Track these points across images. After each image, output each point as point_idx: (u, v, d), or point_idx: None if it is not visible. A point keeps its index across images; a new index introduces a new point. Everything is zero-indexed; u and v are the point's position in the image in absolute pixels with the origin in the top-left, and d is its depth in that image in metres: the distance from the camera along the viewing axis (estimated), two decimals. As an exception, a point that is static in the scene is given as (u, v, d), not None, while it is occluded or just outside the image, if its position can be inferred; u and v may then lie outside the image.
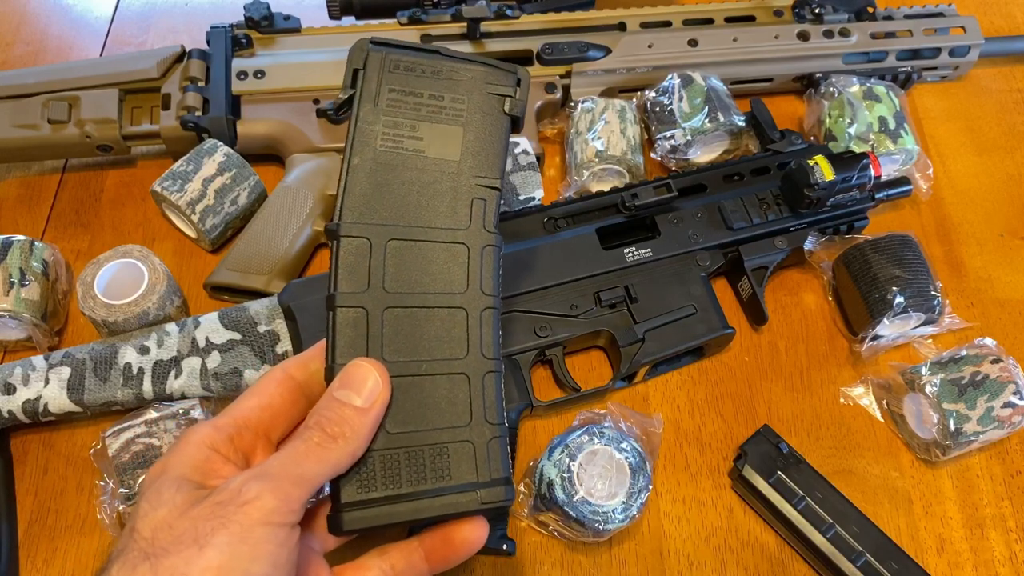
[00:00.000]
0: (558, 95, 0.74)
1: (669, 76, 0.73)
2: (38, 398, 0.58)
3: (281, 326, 0.59)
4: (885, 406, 0.63)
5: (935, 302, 0.62)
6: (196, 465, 0.36)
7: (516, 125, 0.43)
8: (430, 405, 0.39)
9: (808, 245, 0.66)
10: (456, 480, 0.39)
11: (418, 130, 0.41)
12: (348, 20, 0.76)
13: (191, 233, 0.70)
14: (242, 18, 0.74)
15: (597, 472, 0.55)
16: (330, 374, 0.39)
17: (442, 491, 0.38)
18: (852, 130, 0.70)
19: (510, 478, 0.40)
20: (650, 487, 0.55)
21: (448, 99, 0.41)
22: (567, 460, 0.55)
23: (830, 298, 0.68)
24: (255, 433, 0.39)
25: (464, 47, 0.74)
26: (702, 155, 0.73)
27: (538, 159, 0.69)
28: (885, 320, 0.61)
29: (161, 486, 0.35)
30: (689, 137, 0.70)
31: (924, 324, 0.64)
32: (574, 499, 0.54)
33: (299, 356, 0.42)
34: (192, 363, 0.59)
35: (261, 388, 0.40)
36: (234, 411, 0.39)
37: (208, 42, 0.74)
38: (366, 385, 0.37)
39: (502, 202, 0.65)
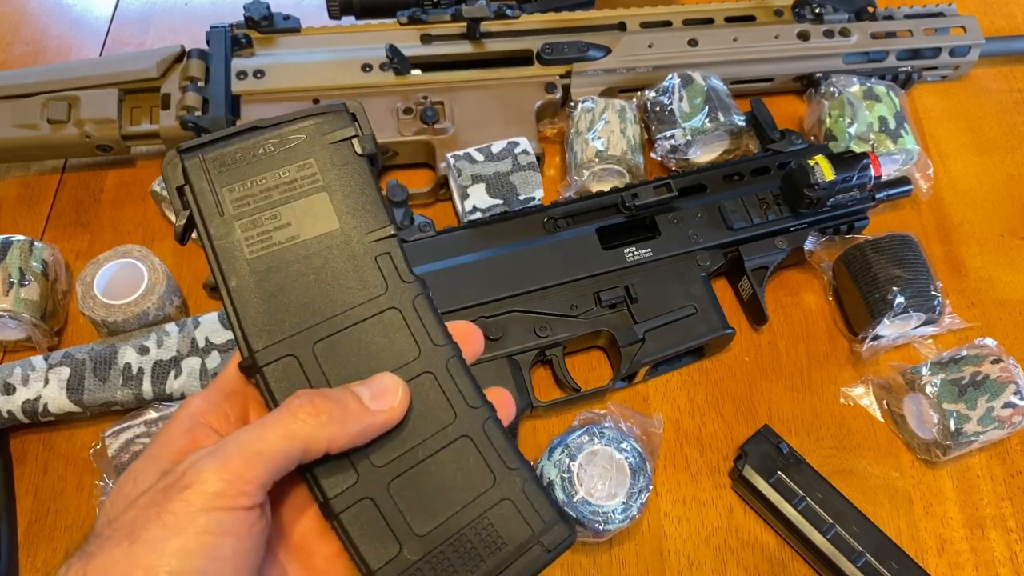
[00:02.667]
0: (558, 95, 0.74)
1: (669, 76, 0.73)
2: (37, 398, 0.58)
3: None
4: (885, 406, 0.63)
5: (935, 302, 0.62)
6: (175, 442, 0.33)
7: (375, 161, 0.39)
8: (448, 485, 0.36)
9: (808, 245, 0.66)
10: (513, 543, 0.36)
11: (281, 217, 0.37)
12: (348, 20, 0.76)
13: (191, 233, 0.70)
14: (242, 18, 0.74)
15: (597, 472, 0.55)
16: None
17: (506, 562, 0.36)
18: (852, 130, 0.70)
19: (563, 511, 0.38)
20: (650, 487, 0.55)
21: (295, 170, 0.37)
22: (567, 460, 0.55)
23: (830, 298, 0.68)
24: (245, 396, 0.36)
25: (464, 47, 0.74)
26: (702, 155, 0.73)
27: (538, 159, 0.69)
28: (885, 320, 0.61)
29: (133, 472, 0.32)
30: (689, 137, 0.70)
31: (924, 324, 0.64)
32: (574, 499, 0.54)
33: None
34: (192, 363, 0.59)
35: None
36: (221, 378, 0.37)
37: (208, 42, 0.74)
38: (387, 395, 0.34)
39: (500, 202, 0.65)
